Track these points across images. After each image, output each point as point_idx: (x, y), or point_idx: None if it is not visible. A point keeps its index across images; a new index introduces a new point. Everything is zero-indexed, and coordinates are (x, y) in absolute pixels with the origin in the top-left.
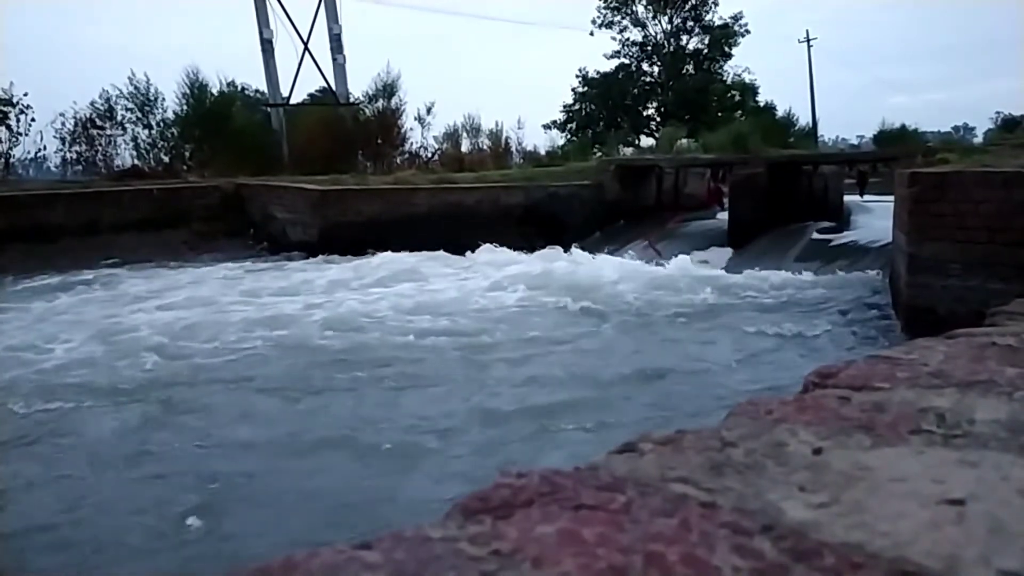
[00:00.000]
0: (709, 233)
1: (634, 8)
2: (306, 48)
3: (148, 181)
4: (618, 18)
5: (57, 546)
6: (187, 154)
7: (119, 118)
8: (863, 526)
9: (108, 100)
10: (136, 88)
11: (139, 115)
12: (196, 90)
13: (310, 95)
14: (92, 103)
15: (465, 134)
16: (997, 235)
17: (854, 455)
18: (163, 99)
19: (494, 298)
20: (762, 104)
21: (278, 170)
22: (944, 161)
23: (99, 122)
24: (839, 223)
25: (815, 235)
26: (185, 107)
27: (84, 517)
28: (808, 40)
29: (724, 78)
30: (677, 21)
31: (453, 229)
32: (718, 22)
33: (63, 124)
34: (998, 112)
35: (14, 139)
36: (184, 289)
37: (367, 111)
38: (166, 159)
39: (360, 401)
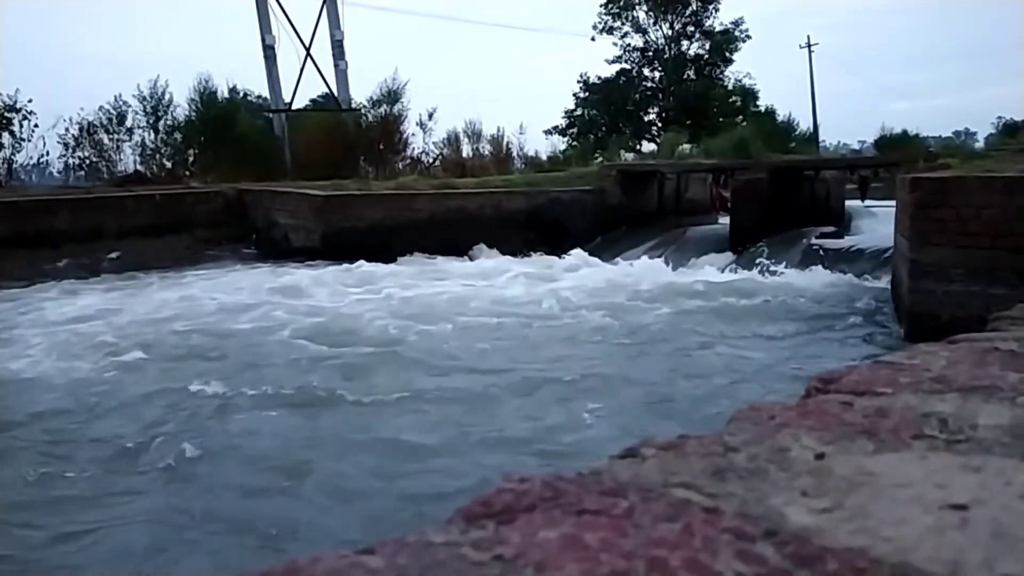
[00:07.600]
0: (710, 238)
1: (635, 14)
2: (308, 54)
3: (151, 187)
4: (619, 24)
5: None
6: (190, 159)
7: (129, 123)
8: (866, 531)
9: (120, 105)
10: (155, 91)
11: (151, 120)
12: (205, 96)
13: (312, 101)
14: (100, 108)
15: (467, 139)
16: (999, 240)
17: (857, 460)
18: (176, 106)
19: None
20: (763, 109)
21: (281, 176)
22: (946, 166)
23: (109, 127)
24: (841, 228)
25: (817, 240)
26: (192, 113)
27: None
28: (809, 45)
29: (725, 83)
30: (678, 27)
31: (455, 234)
32: (719, 28)
33: (66, 129)
34: (999, 117)
35: (17, 145)
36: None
37: (369, 116)
38: (168, 164)
39: None
